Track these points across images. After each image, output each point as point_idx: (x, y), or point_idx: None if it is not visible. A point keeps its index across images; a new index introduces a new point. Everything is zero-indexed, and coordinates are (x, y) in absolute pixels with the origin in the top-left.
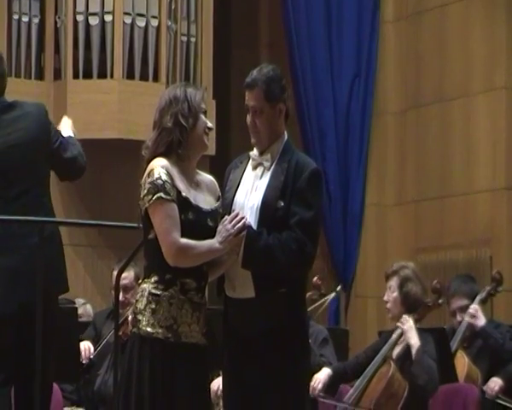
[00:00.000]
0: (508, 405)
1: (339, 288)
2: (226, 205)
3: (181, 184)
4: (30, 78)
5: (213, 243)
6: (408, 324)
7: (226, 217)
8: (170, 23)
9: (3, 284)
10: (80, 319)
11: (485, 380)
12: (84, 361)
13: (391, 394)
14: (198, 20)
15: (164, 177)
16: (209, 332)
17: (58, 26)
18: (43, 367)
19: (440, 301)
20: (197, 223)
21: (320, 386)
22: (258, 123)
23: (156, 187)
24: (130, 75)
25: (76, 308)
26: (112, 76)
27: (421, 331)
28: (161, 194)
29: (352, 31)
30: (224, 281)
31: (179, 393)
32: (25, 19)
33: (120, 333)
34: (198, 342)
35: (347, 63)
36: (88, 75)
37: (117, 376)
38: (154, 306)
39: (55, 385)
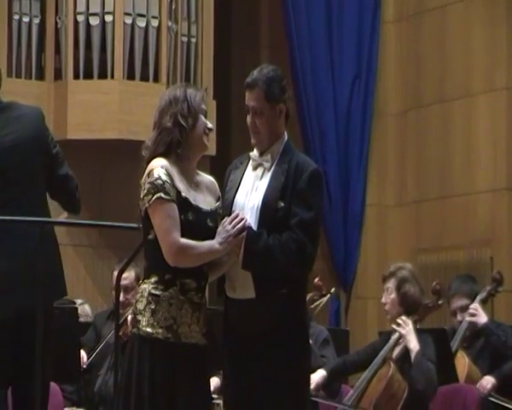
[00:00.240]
0: (500, 403)
1: (333, 290)
2: (226, 206)
3: (181, 185)
4: (30, 78)
5: (213, 243)
6: (407, 327)
7: (226, 218)
8: (170, 23)
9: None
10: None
11: None
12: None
13: (391, 394)
14: (198, 21)
15: (163, 177)
16: (209, 332)
17: (58, 26)
18: (37, 371)
19: (440, 301)
20: (197, 223)
21: (312, 386)
22: (258, 123)
23: (156, 187)
24: (130, 76)
25: (76, 309)
26: (112, 76)
27: (422, 332)
28: (161, 194)
29: (353, 31)
30: (224, 281)
31: (179, 393)
32: (25, 19)
33: (120, 333)
34: (198, 342)
35: (348, 64)
36: (88, 75)
37: (117, 376)
38: (153, 306)
39: (55, 386)
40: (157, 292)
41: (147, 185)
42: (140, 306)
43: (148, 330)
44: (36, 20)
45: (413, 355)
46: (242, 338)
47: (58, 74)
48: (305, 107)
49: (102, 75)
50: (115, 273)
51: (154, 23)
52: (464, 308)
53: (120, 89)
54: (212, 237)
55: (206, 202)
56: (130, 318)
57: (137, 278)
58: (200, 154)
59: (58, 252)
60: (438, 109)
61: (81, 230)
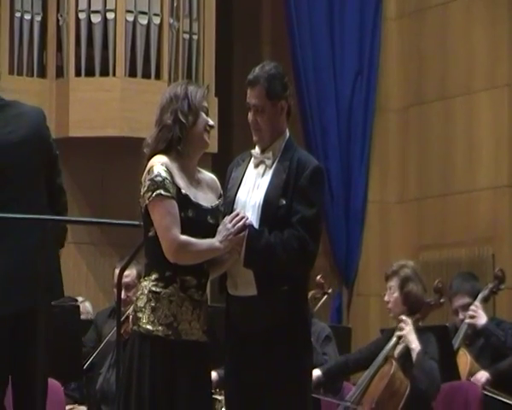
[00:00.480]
0: (494, 396)
1: (330, 290)
2: (228, 203)
3: (181, 182)
4: (32, 76)
5: (213, 241)
6: (407, 328)
7: (227, 217)
8: (172, 21)
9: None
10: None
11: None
12: None
13: (392, 392)
14: (200, 18)
15: (163, 174)
16: (210, 330)
17: (60, 23)
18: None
19: (442, 300)
20: (197, 220)
21: None
22: (259, 121)
23: (156, 184)
24: (132, 73)
25: (78, 306)
26: (114, 74)
27: (423, 330)
28: (161, 191)
29: (355, 28)
30: (226, 279)
31: (179, 390)
32: (27, 17)
33: (122, 331)
34: (198, 339)
35: (350, 60)
36: (90, 73)
37: (119, 374)
38: (154, 303)
39: (56, 384)
40: (157, 289)
41: (147, 182)
42: (140, 303)
43: (149, 327)
44: (37, 18)
45: (414, 355)
46: (244, 335)
47: (60, 72)
48: (306, 103)
49: (104, 73)
50: (117, 271)
51: (156, 20)
52: (466, 307)
53: (122, 86)
54: (213, 235)
55: (206, 199)
56: (131, 316)
57: (139, 276)
58: (201, 151)
59: (57, 254)
60: (440, 106)
61: (83, 227)
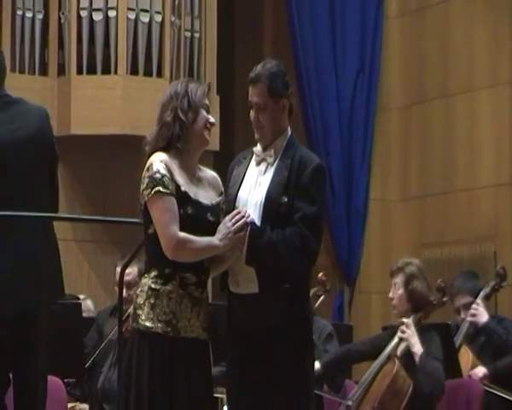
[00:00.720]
0: (491, 391)
1: (328, 287)
2: (229, 201)
3: (180, 179)
4: (34, 73)
5: (213, 239)
6: (409, 330)
7: (228, 215)
8: (174, 19)
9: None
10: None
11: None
12: None
13: (395, 391)
14: (202, 16)
15: (162, 171)
16: (211, 327)
17: (62, 21)
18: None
19: (445, 299)
20: (196, 217)
21: None
22: (261, 119)
23: (155, 181)
24: (133, 71)
25: (80, 304)
26: (116, 72)
27: (426, 328)
28: (160, 188)
29: (356, 26)
30: (227, 276)
31: (178, 387)
32: (29, 14)
33: (123, 329)
34: (198, 336)
35: (351, 59)
36: (92, 71)
37: (121, 372)
38: (153, 300)
39: (58, 381)
40: (157, 286)
41: (146, 179)
42: (140, 300)
43: (148, 324)
44: (39, 16)
45: (417, 359)
46: (246, 333)
47: (61, 70)
48: (308, 102)
49: (106, 70)
50: (118, 269)
51: (158, 18)
52: (468, 306)
53: (124, 84)
54: (214, 232)
55: (207, 196)
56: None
57: (140, 274)
58: (202, 148)
59: (57, 253)
60: (441, 104)
61: (84, 225)
